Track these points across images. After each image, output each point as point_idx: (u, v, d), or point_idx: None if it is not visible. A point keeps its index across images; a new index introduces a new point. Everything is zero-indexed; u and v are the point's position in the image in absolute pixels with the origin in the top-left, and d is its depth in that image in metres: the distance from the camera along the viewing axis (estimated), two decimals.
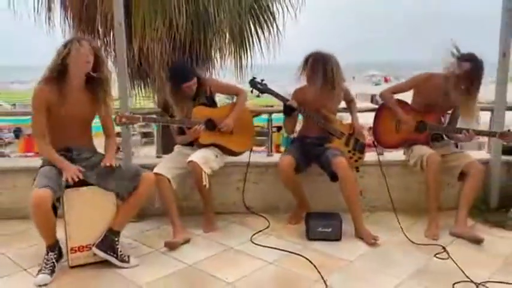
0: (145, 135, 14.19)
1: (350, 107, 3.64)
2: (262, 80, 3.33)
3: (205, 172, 3.12)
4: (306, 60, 3.35)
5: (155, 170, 3.10)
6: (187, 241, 3.09)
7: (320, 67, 3.29)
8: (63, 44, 2.63)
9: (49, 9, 5.13)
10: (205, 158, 3.16)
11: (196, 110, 3.28)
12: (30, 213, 2.42)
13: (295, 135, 3.62)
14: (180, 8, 4.15)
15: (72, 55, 2.58)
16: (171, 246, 2.96)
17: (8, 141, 16.47)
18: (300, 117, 3.52)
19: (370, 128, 3.70)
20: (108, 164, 2.66)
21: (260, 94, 3.34)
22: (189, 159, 3.13)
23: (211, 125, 3.30)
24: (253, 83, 3.31)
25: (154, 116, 3.65)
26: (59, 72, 2.60)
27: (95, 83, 2.72)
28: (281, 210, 3.65)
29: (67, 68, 2.61)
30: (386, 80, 40.62)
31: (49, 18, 5.16)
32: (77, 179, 2.55)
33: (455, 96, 3.25)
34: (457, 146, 8.19)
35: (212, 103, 3.41)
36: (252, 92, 3.34)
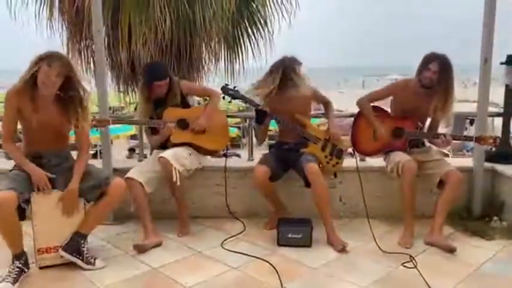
0: None
1: (326, 111, 3.61)
2: (234, 87, 3.37)
3: (175, 168, 3.15)
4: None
5: (128, 175, 3.16)
6: (158, 245, 3.12)
7: (278, 71, 3.30)
8: (35, 60, 2.60)
9: (51, 14, 5.29)
10: (176, 155, 3.20)
11: (168, 111, 3.33)
12: None
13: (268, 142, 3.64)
14: (164, 15, 4.22)
15: (39, 74, 2.58)
16: (140, 249, 3.00)
17: None
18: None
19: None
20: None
21: (232, 100, 3.36)
22: (159, 155, 3.18)
23: (183, 124, 3.35)
24: (224, 89, 3.34)
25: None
26: (30, 85, 2.62)
27: (68, 100, 2.71)
28: (260, 215, 3.65)
29: (36, 83, 2.62)
30: None
31: (51, 26, 5.34)
32: (45, 188, 2.63)
33: (433, 98, 3.25)
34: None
35: (185, 105, 3.46)
36: (224, 98, 3.36)
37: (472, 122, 12.94)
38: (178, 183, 3.17)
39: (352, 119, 3.67)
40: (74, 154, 2.94)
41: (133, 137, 14.26)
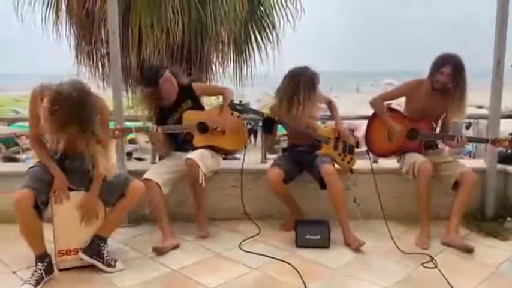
0: None
1: (331, 110, 3.63)
2: (240, 101, 3.42)
3: (202, 170, 3.15)
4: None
5: (145, 176, 3.15)
6: (176, 247, 3.11)
7: (289, 84, 3.32)
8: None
9: (57, 17, 5.28)
10: (203, 156, 3.22)
11: (186, 115, 3.34)
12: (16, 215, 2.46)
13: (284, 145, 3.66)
14: (176, 18, 4.22)
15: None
16: (159, 252, 2.99)
17: (26, 147, 16.86)
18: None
19: (352, 130, 3.69)
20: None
21: (240, 115, 3.44)
22: (186, 157, 3.18)
23: (203, 128, 3.35)
24: (232, 105, 3.34)
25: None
26: None
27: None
28: (274, 217, 3.65)
29: None
30: None
31: (57, 29, 5.33)
32: (62, 199, 2.63)
33: (445, 101, 3.29)
34: None
35: (199, 107, 3.48)
36: (232, 113, 3.40)
37: (468, 127, 13.04)
38: (203, 184, 3.17)
39: (353, 121, 3.69)
40: None
41: (131, 141, 14.32)
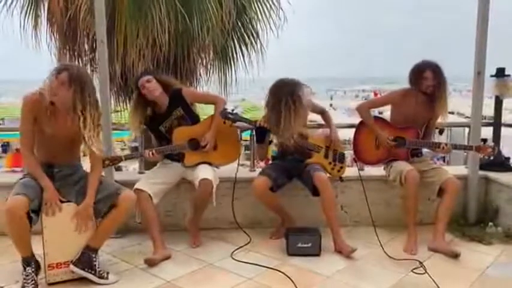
0: None
1: (325, 119, 3.68)
2: (232, 110, 3.43)
3: (214, 191, 3.17)
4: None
5: (136, 186, 3.12)
6: (167, 258, 3.08)
7: (272, 98, 3.33)
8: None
9: (35, 26, 5.18)
10: (215, 175, 3.23)
11: (176, 132, 3.30)
12: (4, 220, 2.43)
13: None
14: (162, 25, 4.20)
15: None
16: (151, 263, 2.96)
17: None
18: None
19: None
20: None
21: (232, 123, 3.42)
22: (202, 177, 3.14)
23: (194, 145, 3.33)
24: (224, 114, 3.29)
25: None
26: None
27: (80, 117, 2.61)
28: (264, 225, 3.66)
29: None
30: (375, 95, 40.81)
31: (35, 36, 5.22)
32: (55, 210, 2.59)
33: (432, 107, 3.39)
34: None
35: (192, 116, 3.43)
36: (224, 122, 3.37)
37: (441, 132, 13.40)
38: (214, 204, 3.20)
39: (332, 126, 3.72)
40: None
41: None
